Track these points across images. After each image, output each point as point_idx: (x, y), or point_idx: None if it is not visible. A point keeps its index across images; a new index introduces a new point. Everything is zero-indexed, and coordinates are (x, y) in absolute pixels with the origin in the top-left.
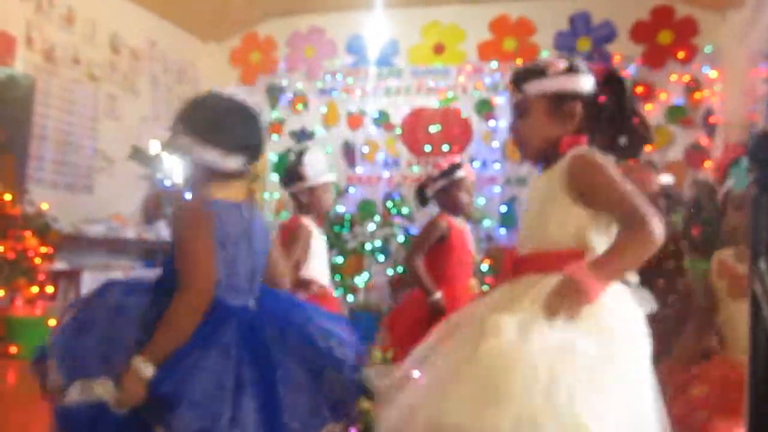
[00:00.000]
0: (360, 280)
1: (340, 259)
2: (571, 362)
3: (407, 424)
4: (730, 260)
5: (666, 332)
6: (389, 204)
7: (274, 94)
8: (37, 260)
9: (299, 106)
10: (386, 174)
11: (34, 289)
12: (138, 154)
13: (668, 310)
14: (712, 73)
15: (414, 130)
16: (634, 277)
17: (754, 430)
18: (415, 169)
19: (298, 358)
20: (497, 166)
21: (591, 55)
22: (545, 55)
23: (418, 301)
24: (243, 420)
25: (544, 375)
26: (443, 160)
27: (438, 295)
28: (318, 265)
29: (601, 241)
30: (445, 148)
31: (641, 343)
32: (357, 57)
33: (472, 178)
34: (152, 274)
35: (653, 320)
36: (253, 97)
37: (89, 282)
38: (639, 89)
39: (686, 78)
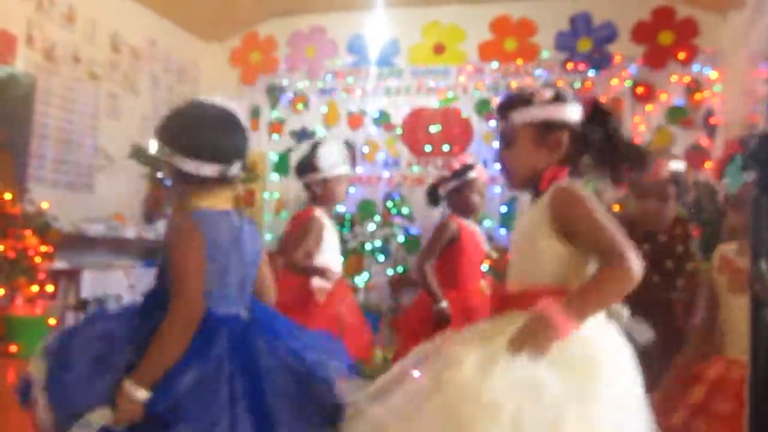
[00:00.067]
0: (360, 280)
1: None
2: (536, 401)
3: None
4: (731, 255)
5: (676, 316)
6: (389, 204)
7: (274, 93)
8: (38, 259)
9: (300, 106)
10: (386, 174)
11: (34, 288)
12: (138, 153)
13: (678, 294)
14: (713, 74)
15: (414, 130)
16: (625, 310)
17: (755, 430)
18: (416, 169)
19: (286, 369)
20: (497, 166)
21: (591, 55)
22: (546, 55)
23: (425, 302)
24: (238, 429)
25: (507, 415)
26: (455, 161)
27: (444, 303)
28: (331, 256)
29: (586, 278)
30: (446, 148)
31: (623, 378)
32: (357, 57)
33: (484, 179)
34: (147, 281)
35: (662, 304)
36: (253, 97)
37: (89, 281)
38: (639, 90)
39: (687, 79)
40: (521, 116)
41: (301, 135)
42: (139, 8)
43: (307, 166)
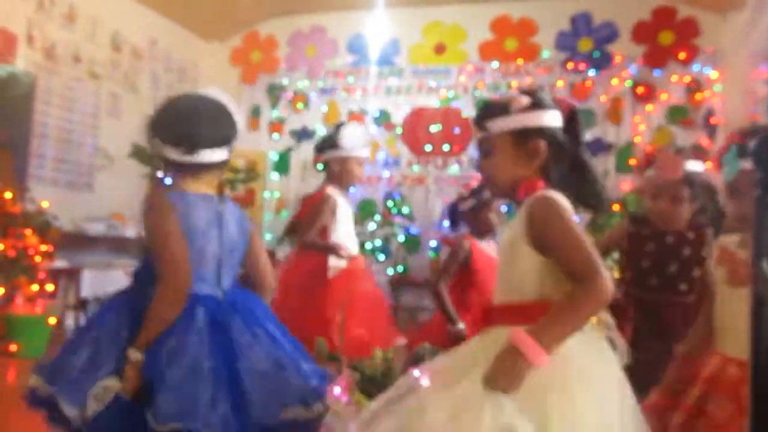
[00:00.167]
0: None
1: None
2: None
3: None
4: (732, 247)
5: (674, 320)
6: (389, 203)
7: (275, 93)
8: (38, 258)
9: (300, 105)
10: (386, 173)
11: (35, 287)
12: (139, 153)
13: (681, 298)
14: (713, 74)
15: (415, 130)
16: (609, 318)
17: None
18: (416, 168)
19: (261, 349)
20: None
21: (591, 55)
22: (546, 54)
23: (441, 322)
24: (219, 402)
25: None
26: (473, 179)
27: (461, 325)
28: (344, 234)
29: (566, 290)
30: (446, 147)
31: (602, 395)
32: (358, 56)
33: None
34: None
35: (661, 307)
36: (253, 96)
37: (89, 280)
38: (640, 90)
39: (687, 79)
40: (498, 125)
41: (302, 134)
42: (140, 8)
43: (328, 143)
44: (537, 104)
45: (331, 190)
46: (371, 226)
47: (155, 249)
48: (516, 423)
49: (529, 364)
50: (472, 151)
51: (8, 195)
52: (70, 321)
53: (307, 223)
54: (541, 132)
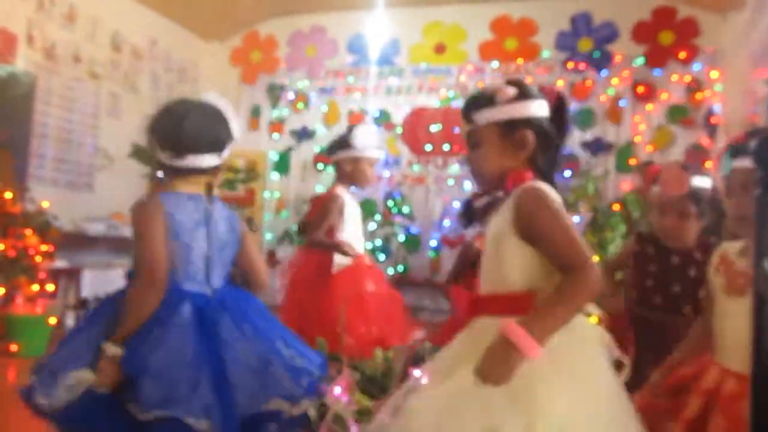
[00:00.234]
0: None
1: None
2: None
3: None
4: (732, 255)
5: (675, 341)
6: (390, 203)
7: (275, 93)
8: (38, 258)
9: (300, 105)
10: (387, 173)
11: (35, 287)
12: (139, 153)
13: (684, 320)
14: (713, 74)
15: (415, 130)
16: (594, 309)
17: None
18: (416, 168)
19: (249, 343)
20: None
21: (591, 55)
22: (546, 54)
23: (456, 324)
24: (201, 391)
25: None
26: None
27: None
28: (351, 233)
29: (554, 281)
30: (446, 147)
31: (590, 392)
32: (358, 56)
33: None
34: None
35: (662, 327)
36: (253, 96)
37: (89, 280)
38: (640, 89)
39: (687, 78)
40: (484, 116)
41: (302, 134)
42: (140, 8)
43: (340, 144)
44: (523, 94)
45: (340, 189)
46: (372, 225)
47: (136, 244)
48: (502, 424)
49: (521, 356)
50: None
51: (8, 195)
52: (70, 321)
53: (316, 222)
54: (528, 122)
